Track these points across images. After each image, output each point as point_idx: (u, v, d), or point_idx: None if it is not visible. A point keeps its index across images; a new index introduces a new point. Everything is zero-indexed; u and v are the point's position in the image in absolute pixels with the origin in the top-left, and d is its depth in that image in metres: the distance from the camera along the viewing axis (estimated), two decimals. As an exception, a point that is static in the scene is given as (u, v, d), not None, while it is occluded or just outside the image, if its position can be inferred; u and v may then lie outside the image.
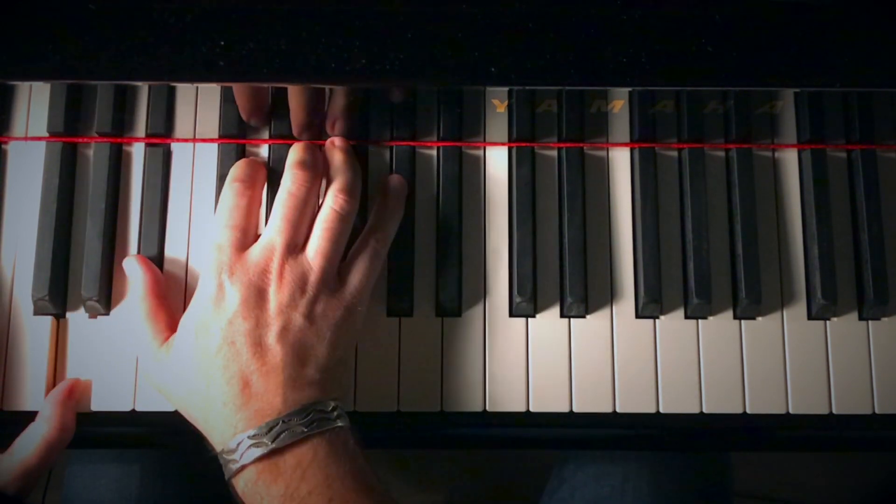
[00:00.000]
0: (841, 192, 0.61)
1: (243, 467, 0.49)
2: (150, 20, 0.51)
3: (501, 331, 0.58)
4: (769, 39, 0.53)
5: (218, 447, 0.51)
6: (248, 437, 0.49)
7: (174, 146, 0.60)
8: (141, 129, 0.60)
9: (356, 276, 0.55)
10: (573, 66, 0.52)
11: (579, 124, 0.60)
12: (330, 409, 0.50)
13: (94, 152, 0.59)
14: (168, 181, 0.59)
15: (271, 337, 0.51)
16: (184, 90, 0.60)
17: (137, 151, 0.60)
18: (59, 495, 0.72)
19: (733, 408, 0.58)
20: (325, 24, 0.51)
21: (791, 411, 0.58)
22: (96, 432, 0.57)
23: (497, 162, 0.60)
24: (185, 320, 0.53)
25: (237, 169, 0.57)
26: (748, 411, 0.58)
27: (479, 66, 0.52)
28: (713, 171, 0.61)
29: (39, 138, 0.59)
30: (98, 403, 0.56)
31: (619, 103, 0.61)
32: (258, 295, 0.52)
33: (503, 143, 0.61)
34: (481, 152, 0.61)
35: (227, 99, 0.59)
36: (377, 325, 0.58)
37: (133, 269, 0.56)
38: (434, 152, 0.60)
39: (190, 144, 0.60)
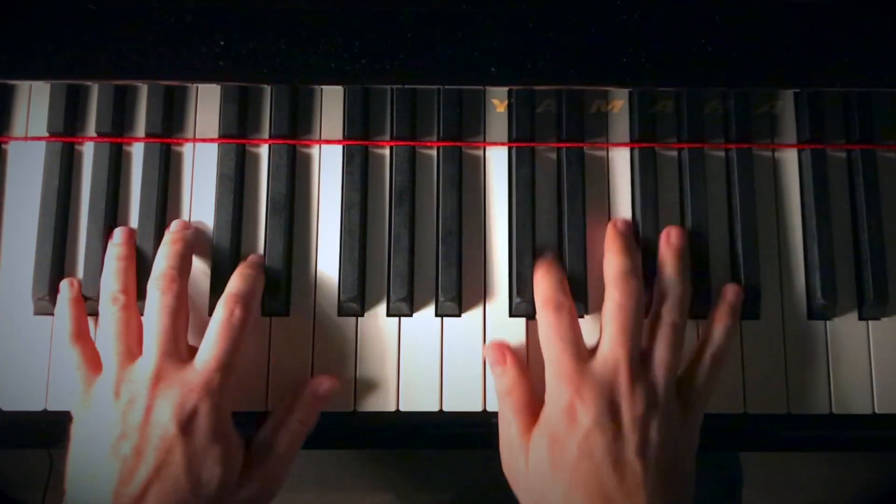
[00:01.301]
0: (841, 192, 0.61)
1: None
2: (150, 20, 0.51)
3: (501, 331, 0.58)
4: (769, 39, 0.53)
5: None
6: None
7: (174, 146, 0.60)
8: (141, 129, 0.60)
9: (701, 389, 0.54)
10: (573, 66, 0.52)
11: (579, 124, 0.60)
12: None
13: (94, 152, 0.59)
14: (167, 181, 0.59)
15: (630, 452, 0.50)
16: (183, 90, 0.60)
17: (137, 151, 0.60)
18: (61, 495, 0.72)
19: (733, 408, 0.58)
20: (325, 24, 0.51)
21: (791, 411, 0.58)
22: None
23: (497, 162, 0.60)
24: (539, 430, 0.52)
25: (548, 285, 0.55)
26: (748, 411, 0.58)
27: (479, 66, 0.52)
28: (713, 171, 0.61)
29: (39, 138, 0.59)
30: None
31: (619, 103, 0.61)
32: (611, 409, 0.51)
33: (503, 143, 0.61)
34: (481, 152, 0.61)
35: (227, 99, 0.59)
36: (376, 326, 0.58)
37: (500, 370, 0.56)
38: (434, 152, 0.60)
39: (190, 144, 0.60)
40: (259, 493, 0.53)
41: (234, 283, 0.55)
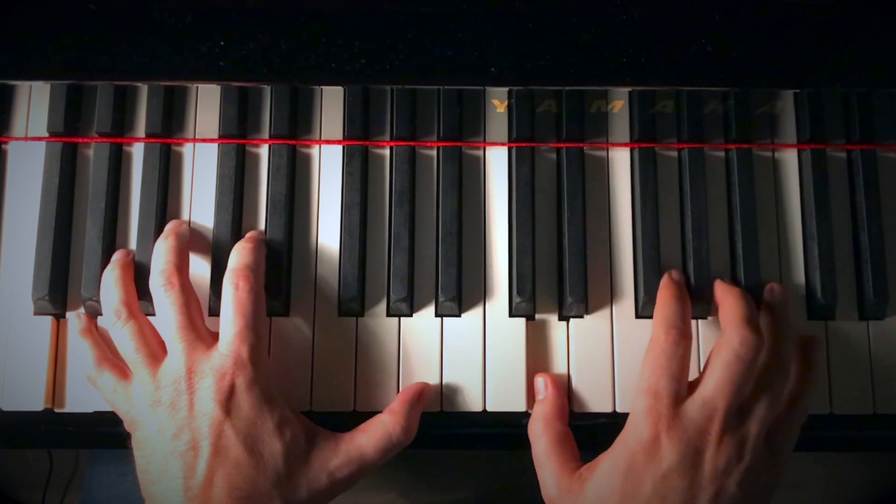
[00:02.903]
0: (841, 192, 0.61)
1: None
2: (150, 20, 0.51)
3: (501, 331, 0.58)
4: (769, 39, 0.53)
5: None
6: None
7: (174, 146, 0.60)
8: (141, 129, 0.60)
9: (787, 446, 0.54)
10: (573, 66, 0.52)
11: (579, 124, 0.60)
12: None
13: (94, 152, 0.59)
14: (167, 181, 0.59)
15: (703, 502, 0.50)
16: (183, 90, 0.60)
17: (137, 151, 0.60)
18: (61, 495, 0.72)
19: (733, 408, 0.58)
20: (325, 24, 0.51)
21: (791, 411, 0.58)
22: (106, 432, 0.57)
23: (497, 162, 0.60)
24: (612, 458, 0.52)
25: (670, 313, 0.55)
26: (748, 411, 0.58)
27: (479, 66, 0.52)
28: (713, 171, 0.61)
29: (39, 138, 0.59)
30: (94, 404, 0.56)
31: (619, 103, 0.61)
32: (695, 456, 0.50)
33: (503, 143, 0.61)
34: (481, 152, 0.61)
35: (227, 99, 0.59)
36: (376, 326, 0.58)
37: (541, 398, 0.56)
38: (434, 152, 0.60)
39: (190, 144, 0.60)
40: (342, 472, 0.53)
41: (234, 258, 0.55)
